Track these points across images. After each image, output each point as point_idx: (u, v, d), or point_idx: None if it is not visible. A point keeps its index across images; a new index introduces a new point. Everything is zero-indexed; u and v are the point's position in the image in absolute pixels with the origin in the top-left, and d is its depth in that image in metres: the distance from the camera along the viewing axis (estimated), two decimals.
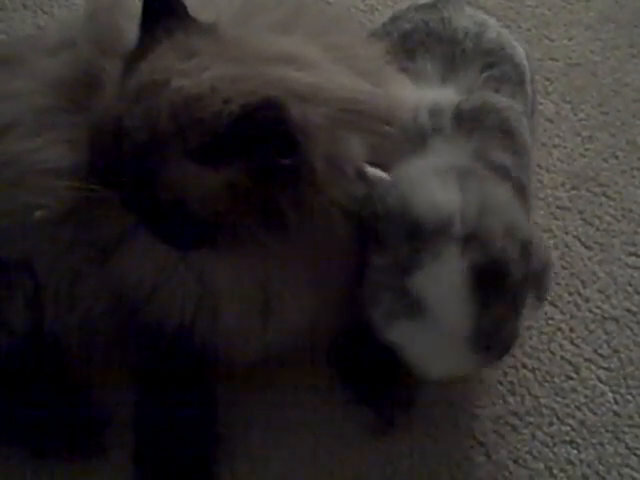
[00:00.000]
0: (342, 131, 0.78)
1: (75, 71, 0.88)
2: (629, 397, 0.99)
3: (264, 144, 0.72)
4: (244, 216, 0.75)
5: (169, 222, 0.75)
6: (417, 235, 0.77)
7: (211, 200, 0.74)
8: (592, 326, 1.04)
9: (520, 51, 0.97)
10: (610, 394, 0.99)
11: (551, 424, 0.97)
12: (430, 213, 0.77)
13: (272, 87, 0.75)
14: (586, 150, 1.18)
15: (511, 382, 0.99)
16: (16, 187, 0.84)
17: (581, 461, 0.95)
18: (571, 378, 1.00)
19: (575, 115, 1.22)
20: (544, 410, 0.98)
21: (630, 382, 1.00)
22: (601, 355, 1.02)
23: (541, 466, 0.95)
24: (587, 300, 1.06)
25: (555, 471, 0.94)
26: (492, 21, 0.98)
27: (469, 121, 0.84)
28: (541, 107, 1.17)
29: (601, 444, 0.96)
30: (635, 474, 0.94)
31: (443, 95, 0.87)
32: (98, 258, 0.84)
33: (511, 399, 0.98)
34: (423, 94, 0.87)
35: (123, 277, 0.84)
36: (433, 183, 0.79)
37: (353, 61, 0.85)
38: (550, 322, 1.04)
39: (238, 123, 0.72)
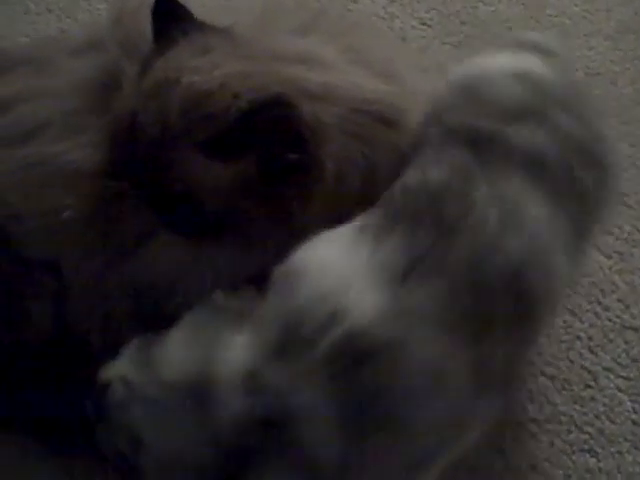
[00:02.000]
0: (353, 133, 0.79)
1: (101, 73, 0.89)
2: None
3: (272, 139, 0.74)
4: (251, 208, 0.77)
5: (179, 213, 0.77)
6: None
7: (220, 192, 0.76)
8: (611, 335, 1.04)
9: None
10: (629, 403, 0.99)
11: (570, 432, 0.97)
12: None
13: (283, 85, 0.76)
14: None
15: (530, 389, 1.00)
16: (45, 188, 0.85)
17: (600, 469, 0.95)
18: (590, 387, 1.00)
19: None
20: (563, 418, 0.98)
21: None
22: (620, 364, 1.02)
23: (559, 473, 0.95)
24: (606, 309, 1.06)
25: (573, 479, 0.94)
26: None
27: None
28: None
29: (620, 453, 0.96)
30: None
31: None
32: (121, 256, 0.85)
33: (530, 406, 0.98)
34: None
35: (144, 274, 0.86)
36: None
37: (370, 63, 0.86)
38: (569, 330, 1.04)
39: (246, 118, 0.73)
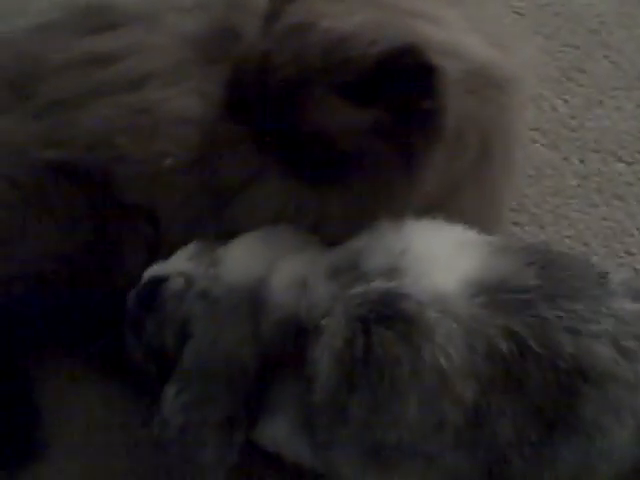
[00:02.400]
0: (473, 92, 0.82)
1: (209, 28, 0.93)
2: None
3: (405, 86, 0.77)
4: (380, 152, 0.79)
5: (307, 154, 0.80)
6: None
7: (352, 135, 0.78)
8: None
9: None
10: None
11: None
12: None
13: (415, 36, 0.79)
14: None
15: None
16: (150, 134, 0.89)
17: None
18: None
19: None
20: None
21: None
22: None
23: None
24: None
25: None
26: None
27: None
28: None
29: None
30: None
31: None
32: (220, 203, 0.88)
33: None
34: None
35: (242, 221, 0.88)
36: None
37: (485, 32, 0.88)
38: None
39: (382, 64, 0.76)
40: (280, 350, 0.74)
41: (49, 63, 0.92)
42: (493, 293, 0.70)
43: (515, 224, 1.13)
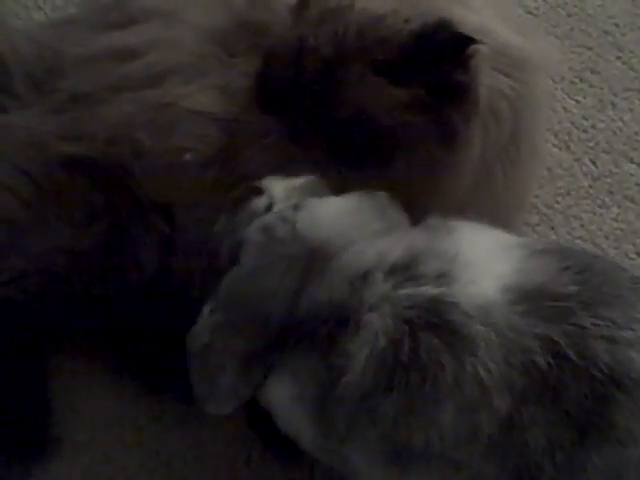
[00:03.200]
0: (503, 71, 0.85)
1: (229, 23, 0.93)
2: None
3: (440, 60, 0.79)
4: (420, 130, 0.81)
5: (348, 138, 0.81)
6: None
7: (392, 112, 0.80)
8: None
9: None
10: None
11: None
12: None
13: (447, 15, 0.81)
14: None
15: None
16: (170, 130, 0.89)
17: None
18: None
19: None
20: None
21: None
22: None
23: None
24: None
25: None
26: None
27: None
28: None
29: None
30: None
31: None
32: (240, 197, 0.88)
33: None
34: None
35: None
36: None
37: (508, 19, 0.91)
38: None
39: (418, 40, 0.78)
40: (311, 326, 0.72)
41: (69, 58, 0.92)
42: (533, 301, 0.70)
43: (526, 224, 1.13)
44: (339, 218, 0.76)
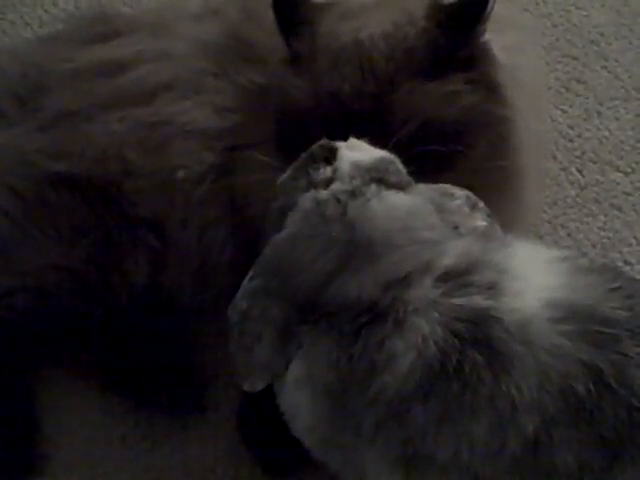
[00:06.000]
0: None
1: (222, 37, 0.93)
2: None
3: (465, 29, 0.81)
4: (470, 126, 0.82)
5: (411, 145, 0.79)
6: None
7: (453, 102, 0.81)
8: None
9: None
10: None
11: None
12: None
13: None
14: None
15: None
16: (163, 147, 0.89)
17: None
18: None
19: None
20: None
21: None
22: None
23: None
24: None
25: None
26: None
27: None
28: None
29: None
30: None
31: None
32: (231, 210, 0.89)
33: None
34: None
35: (254, 223, 0.87)
36: None
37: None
38: None
39: (437, 28, 0.81)
40: (333, 309, 0.71)
41: (54, 74, 0.92)
42: (580, 322, 0.69)
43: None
44: (389, 219, 0.74)
